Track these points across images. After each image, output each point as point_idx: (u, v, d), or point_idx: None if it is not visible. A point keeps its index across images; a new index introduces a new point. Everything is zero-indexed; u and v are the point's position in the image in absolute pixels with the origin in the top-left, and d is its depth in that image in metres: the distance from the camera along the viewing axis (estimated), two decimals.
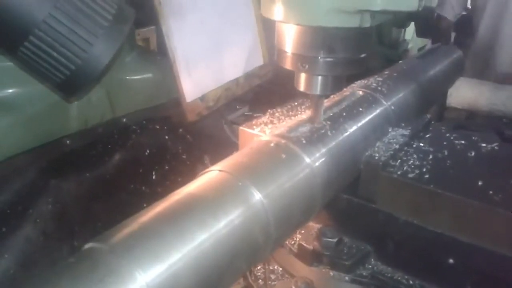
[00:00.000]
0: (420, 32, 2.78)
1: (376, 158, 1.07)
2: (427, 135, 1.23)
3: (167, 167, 1.68)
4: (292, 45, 0.94)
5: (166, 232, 0.71)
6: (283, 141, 0.94)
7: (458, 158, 1.13)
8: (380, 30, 2.74)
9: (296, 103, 1.31)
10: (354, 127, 1.07)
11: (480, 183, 1.02)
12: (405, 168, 1.08)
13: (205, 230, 0.73)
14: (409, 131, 1.20)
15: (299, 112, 1.24)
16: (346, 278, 1.10)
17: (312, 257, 1.09)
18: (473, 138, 1.22)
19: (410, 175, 1.05)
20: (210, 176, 0.84)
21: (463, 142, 1.20)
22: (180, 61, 1.64)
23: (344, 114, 1.09)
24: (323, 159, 0.95)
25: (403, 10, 0.86)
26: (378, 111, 1.16)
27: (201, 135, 1.80)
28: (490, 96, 2.20)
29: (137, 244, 0.67)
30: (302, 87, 1.00)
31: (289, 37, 0.94)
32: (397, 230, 1.07)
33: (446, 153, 1.14)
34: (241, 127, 1.18)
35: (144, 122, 1.67)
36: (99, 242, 0.67)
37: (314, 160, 0.93)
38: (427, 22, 2.63)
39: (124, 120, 1.62)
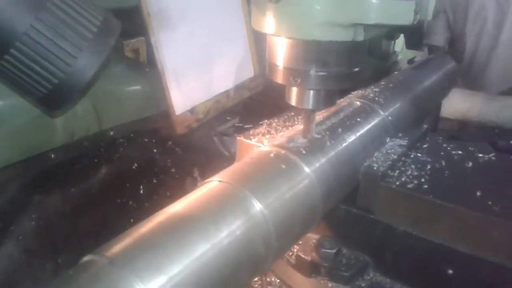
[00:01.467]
0: (410, 44, 2.84)
1: (375, 168, 1.10)
2: (424, 146, 1.26)
3: (155, 181, 1.68)
4: (284, 59, 0.95)
5: (167, 243, 0.71)
6: (282, 151, 0.95)
7: (456, 168, 1.16)
8: (370, 42, 2.81)
9: (292, 113, 1.34)
10: (353, 137, 1.09)
11: (478, 193, 1.05)
12: (403, 179, 1.10)
13: (207, 241, 0.74)
14: (406, 141, 1.23)
15: (296, 122, 1.26)
16: None
17: (310, 268, 1.10)
18: (470, 148, 1.26)
19: (409, 186, 1.08)
20: (210, 186, 0.86)
21: (460, 152, 1.23)
22: (169, 73, 1.66)
23: (343, 124, 1.12)
24: (323, 169, 0.97)
25: (397, 24, 0.87)
26: (376, 121, 1.19)
27: (191, 147, 1.81)
28: (483, 107, 2.26)
29: (138, 255, 0.68)
30: (293, 101, 1.01)
31: (281, 50, 0.95)
32: (395, 240, 1.09)
33: (443, 163, 1.18)
34: (238, 137, 1.20)
35: (131, 135, 1.67)
36: (98, 254, 0.67)
37: (314, 170, 0.95)
38: (417, 35, 2.70)
39: (111, 133, 1.63)
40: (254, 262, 0.81)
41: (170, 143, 1.77)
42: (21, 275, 1.27)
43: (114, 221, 1.57)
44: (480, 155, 1.23)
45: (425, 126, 1.33)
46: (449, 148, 1.26)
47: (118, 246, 0.69)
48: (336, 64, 0.91)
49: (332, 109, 1.23)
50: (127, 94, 1.68)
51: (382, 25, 0.87)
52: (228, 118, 2.09)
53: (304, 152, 0.97)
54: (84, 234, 1.44)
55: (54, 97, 1.14)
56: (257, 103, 2.15)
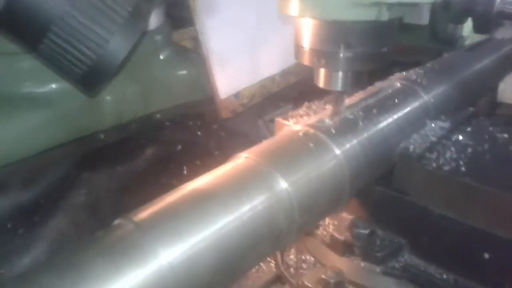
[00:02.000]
0: (478, 29, 2.71)
1: (411, 150, 1.08)
2: (468, 129, 1.22)
3: (198, 163, 1.75)
4: (309, 40, 0.96)
5: (190, 213, 0.75)
6: (311, 130, 0.97)
7: (498, 151, 1.12)
8: (434, 26, 2.72)
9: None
10: (389, 119, 1.09)
11: None
12: (441, 161, 1.08)
13: (229, 213, 0.77)
14: (449, 124, 1.20)
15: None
16: (377, 269, 1.13)
17: (343, 248, 1.12)
18: None
19: (446, 168, 1.06)
20: (236, 162, 0.89)
21: (505, 136, 1.19)
22: (214, 57, 1.71)
23: (378, 105, 1.11)
24: (353, 150, 0.98)
25: (419, 1, 0.87)
26: (416, 103, 1.17)
27: (235, 132, 1.86)
28: None
29: (162, 222, 0.72)
30: (321, 83, 1.03)
31: (306, 32, 0.97)
32: (431, 223, 1.08)
33: (486, 146, 1.14)
34: (277, 118, 1.22)
35: (178, 118, 1.75)
36: (126, 219, 0.73)
37: (343, 151, 0.95)
38: (486, 18, 2.57)
39: (158, 116, 1.71)
40: (276, 236, 0.83)
41: (215, 126, 1.83)
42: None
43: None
44: None
45: (471, 108, 1.29)
46: (494, 132, 1.21)
47: (145, 212, 0.74)
48: (361, 44, 0.92)
49: (371, 90, 1.22)
50: (174, 79, 1.75)
51: (405, 3, 0.86)
52: (281, 104, 2.12)
53: (334, 131, 0.98)
54: (129, 211, 1.53)
55: (89, 78, 1.25)
56: (310, 88, 2.15)
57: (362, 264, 1.14)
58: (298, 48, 1.00)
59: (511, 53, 1.76)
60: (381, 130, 1.06)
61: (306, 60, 0.99)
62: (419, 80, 1.24)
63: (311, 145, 0.94)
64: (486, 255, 1.02)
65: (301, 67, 2.07)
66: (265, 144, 0.95)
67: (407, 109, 1.15)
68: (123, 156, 1.57)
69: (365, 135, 1.03)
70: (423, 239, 1.12)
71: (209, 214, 0.76)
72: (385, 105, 1.12)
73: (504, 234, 0.99)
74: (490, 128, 1.23)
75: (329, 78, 1.00)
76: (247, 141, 1.91)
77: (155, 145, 1.67)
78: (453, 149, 1.13)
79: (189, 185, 0.83)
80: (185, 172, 1.71)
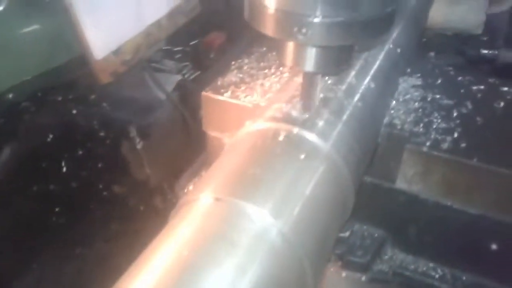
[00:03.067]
0: None
1: (399, 127, 0.86)
2: (438, 82, 1.04)
3: (81, 152, 1.33)
4: None
5: None
6: (294, 130, 0.66)
7: (487, 111, 0.97)
8: None
9: (264, 49, 1.07)
10: (373, 90, 0.82)
11: None
12: (433, 135, 0.89)
13: None
14: (420, 79, 1.01)
15: (274, 62, 1.03)
16: (363, 278, 0.96)
17: None
18: (490, 81, 1.06)
19: (444, 146, 0.86)
20: (203, 210, 0.56)
21: (482, 87, 1.03)
22: (80, 3, 1.25)
23: (353, 70, 0.83)
24: (350, 147, 0.71)
25: None
26: (387, 58, 0.91)
27: (120, 99, 1.45)
28: (447, 12, 2.07)
29: None
30: (289, 60, 0.70)
31: None
32: (424, 213, 0.92)
33: (470, 106, 0.97)
34: (204, 92, 0.95)
35: (39, 94, 1.28)
36: None
37: (342, 153, 0.68)
38: None
39: (10, 96, 1.22)
40: None
41: (93, 97, 1.39)
42: None
43: (34, 218, 1.23)
44: (505, 88, 1.03)
45: (432, 54, 1.10)
46: (466, 83, 1.05)
47: None
48: (351, 8, 0.60)
49: None
50: (23, 39, 1.25)
51: None
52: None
53: (322, 126, 0.69)
54: None
55: None
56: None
57: (344, 273, 0.94)
58: (256, 9, 0.65)
59: None
60: (369, 106, 0.80)
61: (273, 30, 0.64)
62: None
63: (302, 156, 0.64)
64: (495, 246, 0.88)
65: (191, 2, 1.68)
66: (234, 166, 0.62)
67: (383, 68, 0.89)
68: None
69: (354, 118, 0.76)
70: (412, 231, 0.96)
71: None
72: (358, 68, 0.84)
73: None
74: (460, 78, 1.07)
75: (302, 54, 0.67)
76: (140, 109, 1.54)
77: (14, 138, 1.21)
78: (437, 114, 0.95)
79: (140, 271, 0.49)
80: (64, 169, 1.29)
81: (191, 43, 2.24)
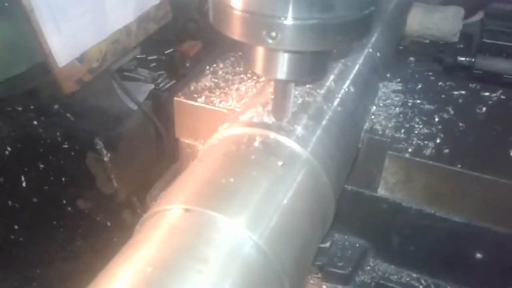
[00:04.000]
0: None
1: (380, 133, 0.84)
2: (418, 87, 1.03)
3: (42, 166, 1.27)
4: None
5: None
6: (271, 135, 0.63)
7: (469, 117, 0.95)
8: None
9: (240, 53, 1.04)
10: (353, 95, 0.80)
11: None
12: (415, 141, 0.87)
13: None
14: (400, 85, 0.99)
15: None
16: None
17: None
18: (471, 86, 1.05)
19: (426, 152, 0.84)
20: (171, 222, 0.52)
21: (463, 92, 1.02)
22: (41, 8, 1.20)
23: (331, 74, 0.80)
24: (330, 153, 0.68)
25: None
26: (367, 63, 0.89)
27: (86, 109, 1.40)
28: (423, 19, 2.10)
29: None
30: (258, 68, 0.65)
31: None
32: (407, 222, 0.90)
33: (451, 111, 0.96)
34: (177, 98, 0.91)
35: None
36: None
37: (321, 161, 0.64)
38: None
39: None
40: None
41: (56, 107, 1.33)
42: None
43: None
44: (486, 93, 1.02)
45: (412, 59, 1.09)
46: (447, 88, 1.04)
47: None
48: (334, 7, 0.56)
49: None
50: None
51: None
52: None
53: (301, 131, 0.65)
54: None
55: None
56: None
57: (324, 286, 0.92)
58: (221, 10, 0.60)
59: None
60: (349, 111, 0.78)
61: (239, 33, 0.60)
62: None
63: (279, 163, 0.60)
64: (479, 254, 0.86)
65: (162, 9, 1.65)
66: (206, 175, 0.58)
67: (363, 74, 0.87)
68: None
69: (336, 124, 0.73)
70: (394, 240, 0.94)
71: None
72: (339, 73, 0.82)
73: (502, 229, 0.84)
74: (440, 83, 1.05)
75: (273, 61, 0.63)
76: (107, 120, 1.49)
77: None
78: (418, 120, 0.93)
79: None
80: (24, 184, 1.22)
81: (166, 51, 2.21)
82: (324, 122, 0.71)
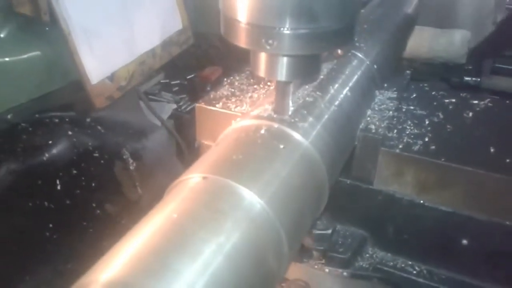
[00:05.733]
0: None
1: (373, 131, 0.97)
2: (413, 96, 1.17)
3: (75, 172, 1.43)
4: (251, 12, 0.72)
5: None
6: (275, 125, 0.78)
7: (456, 120, 1.08)
8: None
9: None
10: (349, 98, 0.95)
11: (492, 150, 0.98)
12: (405, 139, 1.00)
13: (201, 269, 0.56)
14: (396, 93, 1.13)
15: (263, 79, 1.11)
16: (345, 273, 1.04)
17: (301, 253, 1.02)
18: (462, 95, 1.19)
19: (415, 148, 0.97)
20: (191, 186, 0.67)
21: (453, 100, 1.16)
22: (77, 32, 1.38)
23: (331, 79, 0.96)
24: (324, 141, 0.82)
25: None
26: (364, 73, 1.05)
27: (115, 123, 1.57)
28: (432, 43, 2.24)
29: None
30: (262, 71, 0.81)
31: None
32: (400, 212, 1.01)
33: (441, 115, 1.10)
34: (198, 104, 1.05)
35: (37, 116, 1.39)
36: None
37: (317, 147, 0.79)
38: None
39: (9, 116, 1.33)
40: (267, 282, 0.64)
41: (88, 120, 1.51)
42: None
43: (27, 231, 1.31)
44: (475, 101, 1.16)
45: (408, 71, 1.23)
46: (439, 97, 1.18)
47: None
48: (319, 18, 0.72)
49: None
50: (23, 64, 1.38)
51: None
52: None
53: (300, 123, 0.80)
54: None
55: None
56: (179, 54, 1.93)
57: (327, 269, 1.04)
58: (229, 23, 0.77)
59: (416, 6, 1.75)
60: (344, 111, 0.92)
61: (244, 41, 0.76)
62: (357, 44, 1.12)
63: (281, 146, 0.75)
64: (464, 241, 0.98)
65: (184, 34, 1.84)
66: (221, 153, 0.73)
67: (361, 82, 1.02)
68: None
69: (331, 120, 0.88)
70: (389, 230, 1.05)
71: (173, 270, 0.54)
72: (337, 79, 0.97)
73: (485, 216, 0.95)
74: (433, 93, 1.20)
75: (273, 64, 0.79)
76: (133, 133, 1.65)
77: (12, 157, 1.31)
78: (410, 123, 1.07)
79: (139, 232, 0.59)
80: (59, 187, 1.39)
81: (188, 77, 2.41)
82: (322, 117, 0.86)
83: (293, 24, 0.71)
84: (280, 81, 0.82)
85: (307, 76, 0.84)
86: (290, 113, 0.83)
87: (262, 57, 0.80)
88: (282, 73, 0.79)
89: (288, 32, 0.72)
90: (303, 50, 0.74)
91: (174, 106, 2.10)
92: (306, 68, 0.81)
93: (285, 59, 0.78)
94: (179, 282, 0.53)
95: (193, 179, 0.68)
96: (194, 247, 0.57)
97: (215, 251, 0.58)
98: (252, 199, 0.66)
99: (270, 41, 0.73)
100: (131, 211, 1.49)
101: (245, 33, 0.75)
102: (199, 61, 2.47)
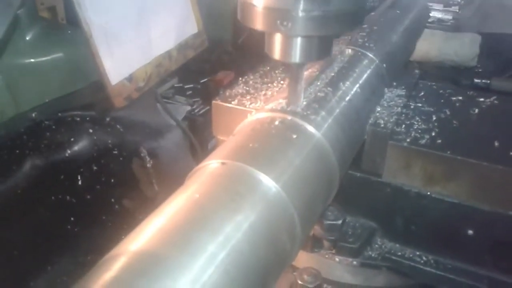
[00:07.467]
0: None
1: (382, 126, 1.03)
2: (421, 94, 1.22)
3: (95, 168, 1.50)
4: None
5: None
6: (288, 117, 0.84)
7: (463, 117, 1.12)
8: None
9: (268, 68, 1.24)
10: (357, 93, 1.00)
11: (496, 144, 1.02)
12: (413, 134, 1.05)
13: (222, 243, 0.61)
14: (404, 91, 1.18)
15: (276, 78, 1.19)
16: (355, 262, 1.09)
17: (312, 243, 1.06)
18: (468, 93, 1.23)
19: (422, 142, 1.02)
20: (211, 171, 0.72)
21: (460, 98, 1.20)
22: (97, 34, 1.46)
23: (342, 77, 1.02)
24: (334, 134, 0.87)
25: None
26: (373, 71, 1.10)
27: (133, 122, 1.64)
28: (442, 46, 2.29)
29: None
30: (277, 54, 0.86)
31: None
32: (408, 203, 1.06)
33: (448, 112, 1.14)
34: (214, 101, 1.10)
35: (59, 114, 1.47)
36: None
37: (327, 138, 0.84)
38: None
39: (34, 115, 1.41)
40: (282, 261, 0.70)
41: (108, 119, 1.58)
42: None
43: (49, 224, 1.38)
44: (481, 99, 1.20)
45: (417, 71, 1.28)
46: (446, 95, 1.22)
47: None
48: (332, 1, 0.78)
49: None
50: (47, 65, 1.46)
51: None
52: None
53: (312, 116, 0.86)
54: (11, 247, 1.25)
55: None
56: (194, 58, 2.00)
57: (337, 258, 1.09)
58: (245, 8, 0.83)
59: (426, 9, 1.80)
60: (354, 105, 0.98)
61: (260, 24, 0.82)
62: (367, 44, 1.17)
63: (294, 136, 0.80)
64: (469, 231, 1.02)
65: (199, 38, 1.91)
66: (239, 142, 0.79)
67: (369, 80, 1.08)
68: None
69: (341, 114, 0.93)
70: (398, 221, 1.09)
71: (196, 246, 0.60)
72: (348, 77, 1.03)
73: (489, 207, 0.99)
74: (441, 91, 1.24)
75: (288, 46, 0.85)
76: (150, 132, 1.72)
77: (36, 153, 1.39)
78: (418, 118, 1.11)
79: (161, 214, 0.65)
80: (80, 182, 1.46)
81: (202, 81, 2.49)
82: (333, 111, 0.91)
83: (307, 6, 0.76)
84: (294, 64, 0.87)
85: (319, 58, 0.89)
86: (302, 102, 0.89)
87: (277, 39, 0.85)
88: (296, 54, 0.85)
89: (302, 14, 0.77)
90: (316, 31, 0.80)
91: (188, 108, 2.17)
92: (319, 50, 0.86)
93: (299, 40, 0.83)
94: (202, 254, 0.59)
95: (212, 165, 0.74)
96: (215, 224, 0.63)
97: (234, 228, 0.63)
98: (268, 183, 0.71)
99: (285, 23, 0.78)
100: (148, 206, 1.55)
101: (261, 16, 0.81)
102: (212, 66, 2.55)
